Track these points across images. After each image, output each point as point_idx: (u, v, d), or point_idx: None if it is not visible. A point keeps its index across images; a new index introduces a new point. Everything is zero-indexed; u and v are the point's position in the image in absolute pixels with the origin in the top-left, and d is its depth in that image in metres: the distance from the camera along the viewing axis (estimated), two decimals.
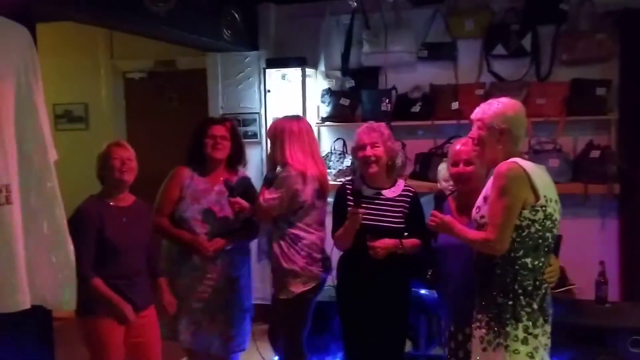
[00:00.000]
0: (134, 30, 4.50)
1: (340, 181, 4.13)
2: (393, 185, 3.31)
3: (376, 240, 3.10)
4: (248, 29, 5.20)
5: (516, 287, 2.58)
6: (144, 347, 3.28)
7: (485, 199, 2.64)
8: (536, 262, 2.60)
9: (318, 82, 5.27)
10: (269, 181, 3.47)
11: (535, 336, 2.57)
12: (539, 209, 2.54)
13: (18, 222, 2.34)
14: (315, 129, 4.33)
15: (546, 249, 2.63)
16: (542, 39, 4.68)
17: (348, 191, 3.30)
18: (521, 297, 2.58)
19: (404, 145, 4.90)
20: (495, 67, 4.81)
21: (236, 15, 4.95)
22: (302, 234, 3.43)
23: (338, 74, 5.16)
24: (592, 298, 3.78)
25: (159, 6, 3.93)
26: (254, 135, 5.32)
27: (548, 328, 2.65)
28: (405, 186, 3.33)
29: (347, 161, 4.97)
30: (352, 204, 3.18)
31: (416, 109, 4.88)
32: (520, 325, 2.56)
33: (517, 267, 2.58)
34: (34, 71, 2.45)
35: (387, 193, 3.27)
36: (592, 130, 4.61)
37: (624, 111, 4.50)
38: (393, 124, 4.83)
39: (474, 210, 2.72)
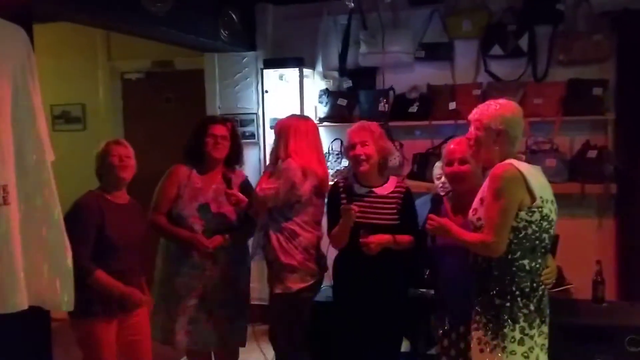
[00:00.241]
0: (131, 31, 4.50)
1: None
2: (385, 182, 3.32)
3: (369, 236, 3.11)
4: (246, 29, 5.20)
5: (513, 288, 2.59)
6: (137, 345, 3.30)
7: (481, 200, 2.65)
8: (533, 264, 2.61)
9: (315, 83, 5.27)
10: (269, 173, 3.48)
11: (531, 337, 2.58)
12: (536, 210, 2.55)
13: (16, 222, 2.34)
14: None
15: (543, 250, 2.64)
16: (539, 40, 4.69)
17: (341, 189, 3.33)
18: (518, 299, 2.59)
19: (401, 145, 4.91)
20: (493, 68, 4.82)
21: (234, 16, 4.95)
22: (298, 230, 3.44)
23: (335, 74, 5.17)
24: (589, 298, 3.79)
25: (157, 7, 3.93)
26: (252, 135, 5.32)
27: (545, 329, 2.66)
28: (397, 183, 3.34)
29: (345, 161, 4.97)
30: (345, 202, 3.20)
31: (414, 109, 4.88)
32: (517, 326, 2.57)
33: (514, 268, 2.59)
34: (31, 72, 2.45)
35: (379, 191, 3.29)
36: (589, 130, 4.62)
37: (621, 111, 4.51)
38: (390, 124, 4.85)
39: (470, 212, 2.73)
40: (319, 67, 5.24)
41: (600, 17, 4.51)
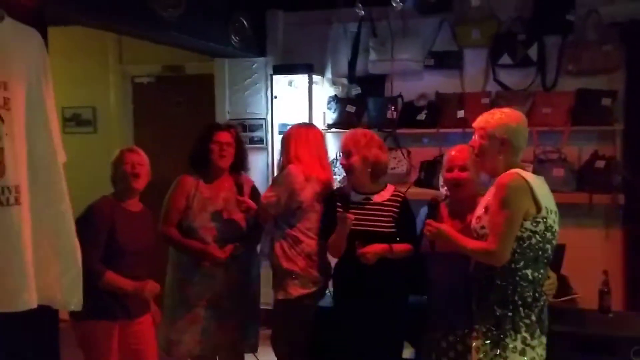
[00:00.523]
0: (143, 36, 4.53)
1: None
2: (382, 189, 3.32)
3: (365, 247, 3.11)
4: (256, 35, 5.23)
5: (516, 298, 2.59)
6: (141, 355, 3.30)
7: (485, 209, 2.65)
8: (536, 274, 2.60)
9: (324, 89, 5.29)
10: (274, 181, 3.52)
11: (533, 347, 2.58)
12: (540, 220, 2.55)
13: (27, 222, 2.36)
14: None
15: (545, 261, 2.64)
16: (548, 49, 4.70)
17: (337, 197, 3.33)
18: (520, 309, 2.58)
19: (409, 153, 4.92)
20: (501, 77, 4.83)
21: (244, 22, 4.98)
22: (301, 236, 3.45)
23: (344, 81, 5.19)
24: (596, 308, 3.78)
25: (168, 12, 3.96)
26: (260, 140, 5.34)
27: (544, 339, 2.65)
28: (395, 191, 3.34)
29: None
30: (341, 210, 3.21)
31: (422, 117, 4.90)
32: (519, 336, 2.57)
33: (517, 278, 2.59)
34: (45, 74, 2.48)
35: (375, 198, 3.28)
36: (597, 140, 4.63)
37: (630, 122, 4.52)
38: (398, 131, 4.87)
39: (474, 220, 2.73)
40: (328, 74, 5.27)
41: (610, 27, 4.52)
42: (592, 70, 4.57)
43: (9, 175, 2.26)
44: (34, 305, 2.43)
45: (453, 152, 3.09)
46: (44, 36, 2.67)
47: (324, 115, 5.21)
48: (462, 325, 2.91)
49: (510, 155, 2.66)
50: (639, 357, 3.34)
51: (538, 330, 2.60)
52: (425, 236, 2.90)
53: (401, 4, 4.20)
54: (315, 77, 5.15)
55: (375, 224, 3.21)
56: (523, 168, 2.66)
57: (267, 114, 5.31)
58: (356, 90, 5.13)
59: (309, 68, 5.11)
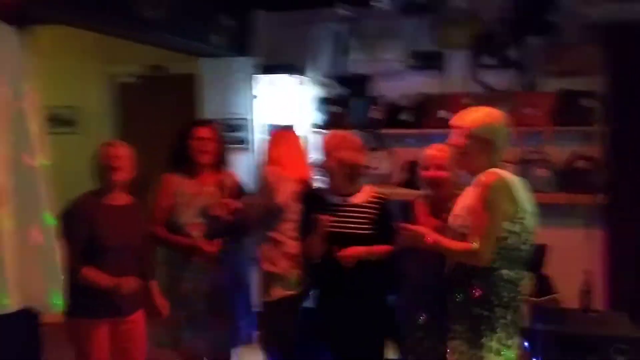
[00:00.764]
0: (125, 36, 4.49)
1: None
2: (358, 191, 3.29)
3: (344, 249, 3.10)
4: (239, 35, 5.21)
5: (492, 298, 2.58)
6: (130, 353, 3.27)
7: (465, 208, 2.64)
8: (512, 274, 2.60)
9: (308, 89, 5.28)
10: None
11: (509, 347, 2.58)
12: (518, 220, 2.55)
13: (7, 224, 2.35)
14: (304, 136, 4.37)
15: (522, 261, 2.64)
16: (530, 50, 4.73)
17: (315, 198, 3.32)
18: (497, 309, 2.58)
19: (391, 153, 4.93)
20: (483, 77, 4.85)
21: (227, 22, 4.97)
22: (283, 238, 3.48)
23: (327, 81, 5.19)
24: (578, 307, 3.82)
25: (152, 12, 3.94)
26: (243, 141, 5.32)
27: (517, 340, 2.65)
28: (375, 192, 3.31)
29: None
30: (318, 212, 3.18)
31: (405, 117, 4.91)
32: (494, 336, 2.57)
33: (494, 278, 2.58)
34: (26, 74, 2.46)
35: (352, 199, 3.25)
36: (579, 141, 4.66)
37: (611, 122, 4.55)
38: (382, 131, 4.88)
39: (451, 219, 2.72)
40: (311, 74, 5.26)
41: (591, 29, 4.55)
42: (574, 71, 4.61)
43: None
44: (15, 309, 2.42)
45: (429, 151, 3.11)
46: (26, 36, 2.64)
47: (307, 115, 5.19)
48: (436, 323, 2.91)
49: (492, 154, 2.65)
50: (619, 355, 3.38)
51: (512, 330, 2.60)
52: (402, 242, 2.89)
53: (380, 3, 4.21)
54: (298, 78, 5.15)
55: (352, 225, 3.19)
56: (503, 168, 2.66)
57: (249, 114, 5.29)
58: (340, 91, 5.14)
59: (292, 68, 5.11)
